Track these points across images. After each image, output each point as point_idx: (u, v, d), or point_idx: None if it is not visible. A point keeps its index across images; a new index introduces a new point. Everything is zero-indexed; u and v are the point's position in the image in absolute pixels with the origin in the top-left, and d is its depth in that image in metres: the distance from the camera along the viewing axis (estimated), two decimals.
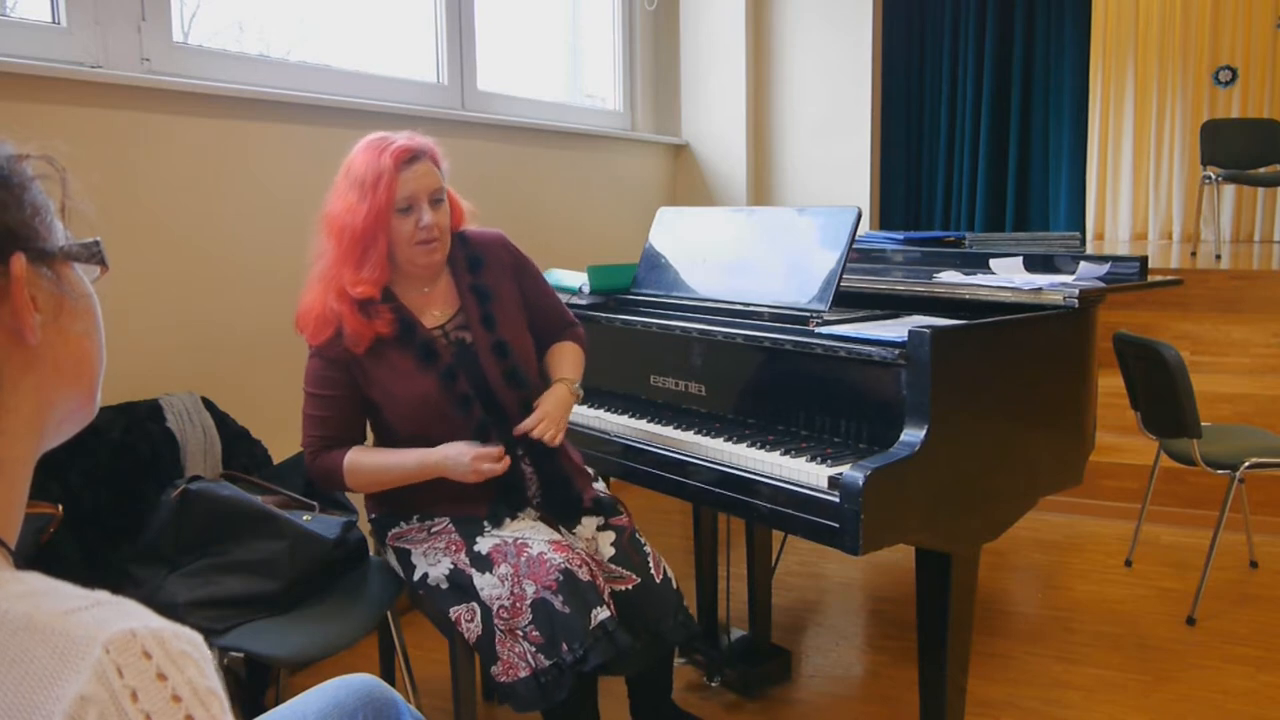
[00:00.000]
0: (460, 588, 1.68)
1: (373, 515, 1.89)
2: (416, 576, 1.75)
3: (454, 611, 1.68)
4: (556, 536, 1.73)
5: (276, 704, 1.16)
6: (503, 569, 1.65)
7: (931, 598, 1.75)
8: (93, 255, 0.69)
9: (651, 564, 1.80)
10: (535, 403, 1.80)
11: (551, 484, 1.84)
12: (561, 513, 1.84)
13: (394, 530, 1.83)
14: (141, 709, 0.50)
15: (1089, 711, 2.20)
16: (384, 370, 1.74)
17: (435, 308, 1.81)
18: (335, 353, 1.73)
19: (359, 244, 1.67)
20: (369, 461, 1.74)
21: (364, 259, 1.68)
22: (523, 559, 1.65)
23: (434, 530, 1.78)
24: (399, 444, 1.77)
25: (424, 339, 1.75)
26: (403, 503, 1.81)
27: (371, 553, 2.00)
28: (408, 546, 1.79)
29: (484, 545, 1.70)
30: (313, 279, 1.74)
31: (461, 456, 1.68)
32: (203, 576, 1.73)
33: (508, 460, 1.69)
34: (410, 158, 1.68)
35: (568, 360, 1.93)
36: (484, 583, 1.65)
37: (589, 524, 1.83)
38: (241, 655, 1.69)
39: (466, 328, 1.81)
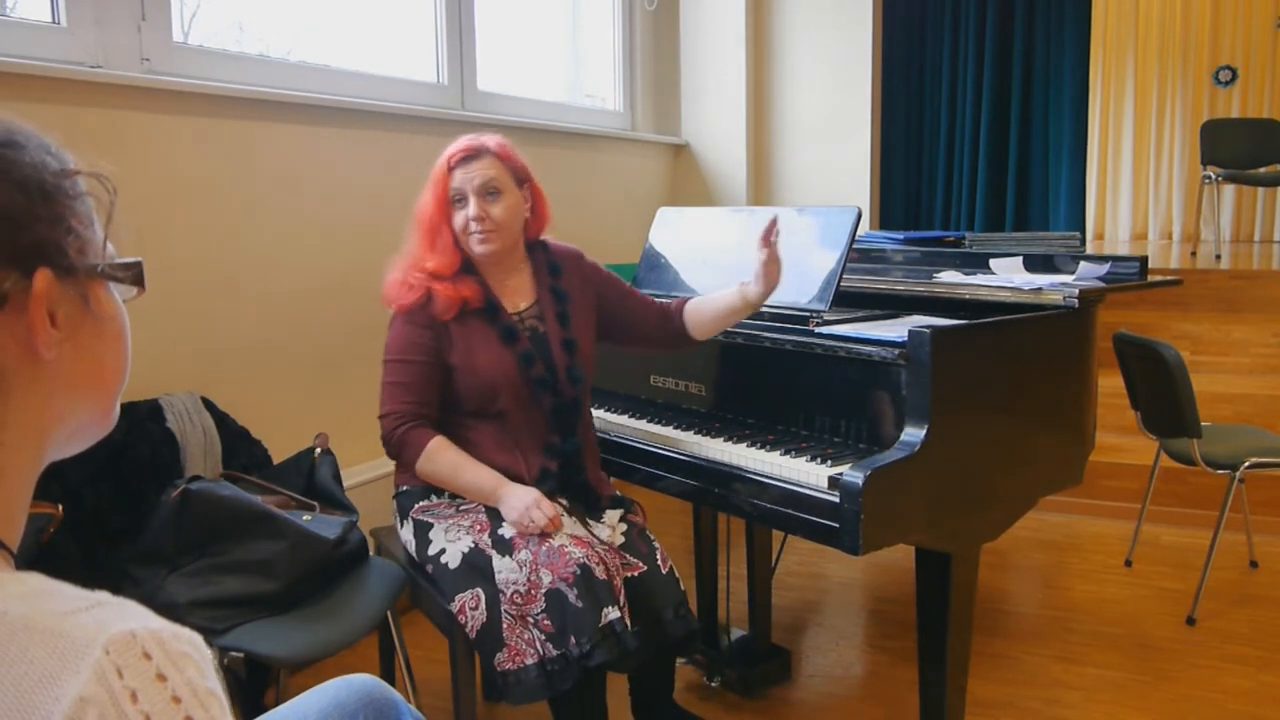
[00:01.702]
0: (473, 569, 1.71)
1: (403, 487, 1.92)
2: (431, 552, 1.78)
3: (459, 599, 1.70)
4: (580, 532, 1.76)
5: (276, 704, 1.16)
6: (523, 554, 1.68)
7: (931, 598, 1.75)
8: (130, 276, 0.68)
9: (658, 556, 1.83)
10: (750, 286, 1.85)
11: (572, 486, 1.89)
12: (583, 507, 1.88)
13: (422, 503, 1.87)
14: (141, 710, 0.50)
15: (1089, 711, 2.20)
16: (468, 337, 1.83)
17: (515, 297, 1.92)
18: (424, 318, 1.83)
19: (429, 233, 1.85)
20: (449, 457, 1.80)
21: (434, 245, 1.85)
22: (543, 548, 1.68)
23: (462, 508, 1.83)
24: (463, 415, 1.85)
25: (506, 322, 1.87)
26: None
27: (372, 552, 2.00)
28: (431, 520, 1.83)
29: (509, 530, 1.74)
30: (398, 261, 1.89)
31: (524, 497, 1.73)
32: (203, 576, 1.73)
33: (558, 521, 1.73)
34: (465, 157, 1.84)
35: (712, 294, 1.96)
36: (502, 565, 1.68)
37: (612, 515, 1.87)
38: (241, 655, 1.69)
39: (541, 319, 1.91)
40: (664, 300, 2.03)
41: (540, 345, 1.88)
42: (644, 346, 2.04)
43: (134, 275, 0.68)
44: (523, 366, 1.84)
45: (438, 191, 1.84)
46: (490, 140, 1.87)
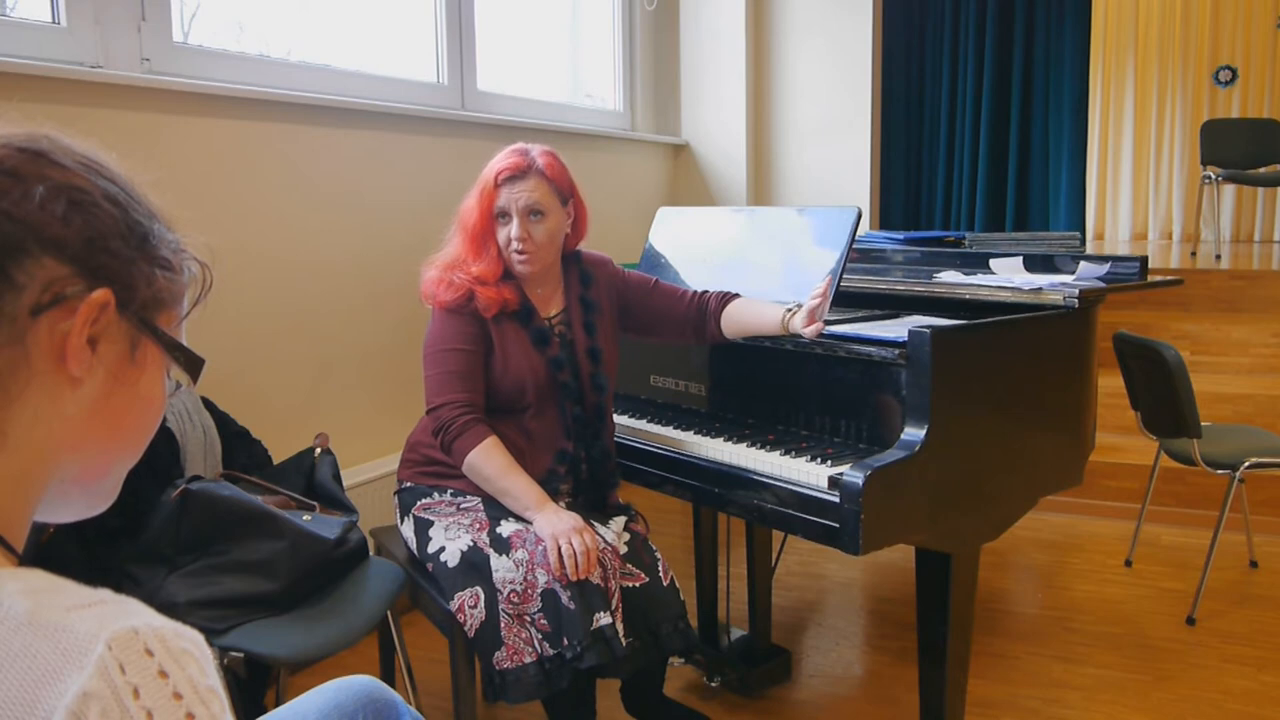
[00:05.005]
0: (472, 567, 1.72)
1: (406, 484, 1.94)
2: (431, 549, 1.79)
3: (459, 598, 1.71)
4: None
5: (277, 704, 1.16)
6: (519, 554, 1.69)
7: (931, 598, 1.75)
8: (186, 362, 0.69)
9: (660, 569, 1.83)
10: (796, 315, 1.78)
11: (590, 483, 1.91)
12: (590, 510, 1.88)
13: (424, 500, 1.88)
14: (143, 706, 0.50)
15: (1089, 711, 2.20)
16: (503, 337, 1.87)
17: (547, 305, 1.95)
18: (469, 311, 1.85)
19: (474, 241, 1.87)
20: (501, 458, 1.80)
21: (480, 254, 1.87)
22: (540, 548, 1.69)
23: (463, 506, 1.84)
24: (492, 409, 1.86)
25: (539, 326, 1.90)
26: (441, 476, 1.88)
27: (372, 552, 2.00)
28: (431, 518, 1.84)
29: (506, 529, 1.75)
30: (438, 259, 1.91)
31: (565, 521, 1.70)
32: (203, 576, 1.73)
33: (593, 562, 1.68)
34: (511, 176, 1.84)
35: (755, 302, 1.92)
36: (499, 564, 1.69)
37: (616, 523, 1.87)
38: (241, 655, 1.68)
39: (569, 326, 1.95)
40: (702, 293, 1.98)
41: (568, 352, 1.91)
42: (672, 340, 2.04)
43: (190, 364, 0.69)
44: (551, 370, 1.87)
45: (484, 204, 1.85)
46: (539, 155, 1.87)
